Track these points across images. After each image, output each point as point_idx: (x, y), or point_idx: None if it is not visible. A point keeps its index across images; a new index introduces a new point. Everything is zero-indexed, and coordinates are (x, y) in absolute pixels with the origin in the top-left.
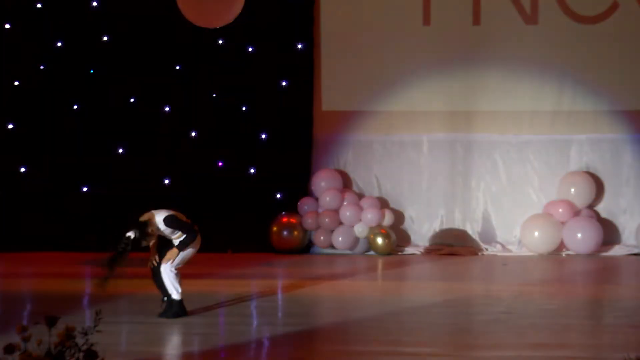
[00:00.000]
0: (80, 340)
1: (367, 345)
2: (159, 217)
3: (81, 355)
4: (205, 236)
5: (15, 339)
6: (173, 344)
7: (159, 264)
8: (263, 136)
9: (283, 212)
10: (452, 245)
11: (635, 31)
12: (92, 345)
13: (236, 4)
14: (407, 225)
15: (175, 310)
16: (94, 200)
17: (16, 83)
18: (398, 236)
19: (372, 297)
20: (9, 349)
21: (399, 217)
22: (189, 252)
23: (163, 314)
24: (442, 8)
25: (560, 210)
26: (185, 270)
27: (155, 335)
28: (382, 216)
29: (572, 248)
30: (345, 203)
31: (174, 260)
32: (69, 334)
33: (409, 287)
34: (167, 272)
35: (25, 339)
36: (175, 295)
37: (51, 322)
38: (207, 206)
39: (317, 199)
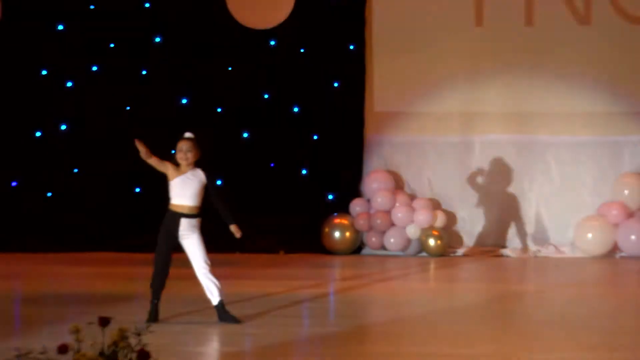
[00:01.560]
0: (133, 341)
1: (419, 346)
2: (204, 175)
3: (134, 355)
4: (257, 237)
5: (68, 339)
6: (225, 344)
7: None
8: (315, 137)
9: (335, 213)
10: (505, 247)
11: None
12: (145, 345)
13: (286, 5)
14: (460, 226)
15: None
16: (145, 201)
17: (69, 84)
18: (450, 237)
19: (424, 298)
20: (63, 349)
21: (451, 218)
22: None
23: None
24: (495, 9)
25: (614, 212)
26: (238, 272)
27: (206, 336)
28: (434, 217)
29: (626, 250)
30: (397, 204)
31: (204, 254)
32: (122, 334)
33: (461, 288)
34: (207, 276)
35: (79, 340)
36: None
37: (104, 322)
38: (259, 207)
39: (368, 200)
